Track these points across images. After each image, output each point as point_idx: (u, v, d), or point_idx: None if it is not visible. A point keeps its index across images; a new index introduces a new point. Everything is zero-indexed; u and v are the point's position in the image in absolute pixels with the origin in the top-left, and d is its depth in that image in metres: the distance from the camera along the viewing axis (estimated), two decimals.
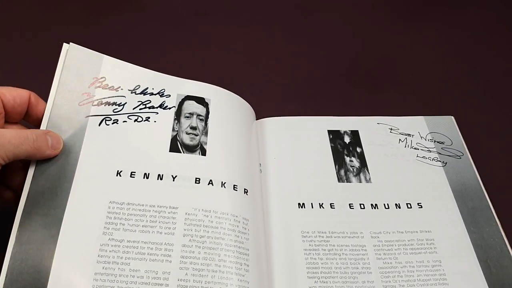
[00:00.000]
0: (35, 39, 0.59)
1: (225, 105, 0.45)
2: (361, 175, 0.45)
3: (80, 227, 0.34)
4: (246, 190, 0.40)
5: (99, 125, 0.39)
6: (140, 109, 0.41)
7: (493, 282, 0.38)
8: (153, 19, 0.64)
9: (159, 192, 0.38)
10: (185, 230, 0.36)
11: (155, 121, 0.41)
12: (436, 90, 0.56)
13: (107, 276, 0.33)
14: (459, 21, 0.66)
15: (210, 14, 0.65)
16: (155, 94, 0.43)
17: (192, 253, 0.35)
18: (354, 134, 0.48)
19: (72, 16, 0.63)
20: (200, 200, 0.38)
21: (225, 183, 0.39)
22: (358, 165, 0.45)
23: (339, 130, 0.48)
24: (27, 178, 0.35)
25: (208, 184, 0.39)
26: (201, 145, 0.41)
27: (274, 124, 0.48)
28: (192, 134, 0.42)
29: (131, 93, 0.42)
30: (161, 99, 0.43)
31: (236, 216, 0.38)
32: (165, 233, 0.36)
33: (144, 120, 0.41)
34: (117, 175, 0.38)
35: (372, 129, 0.48)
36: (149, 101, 0.42)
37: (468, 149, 0.47)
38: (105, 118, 0.40)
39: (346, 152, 0.46)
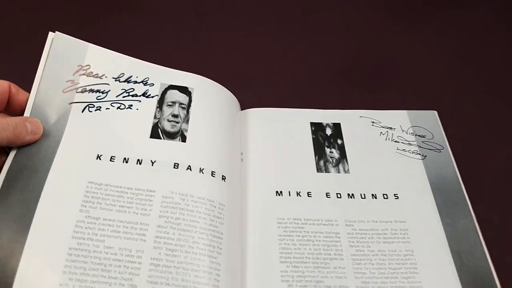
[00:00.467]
0: (35, 39, 0.61)
1: (209, 94, 0.46)
2: (340, 166, 0.45)
3: (58, 203, 0.36)
4: (224, 177, 0.41)
5: (82, 111, 0.41)
6: (124, 97, 0.43)
7: (464, 272, 0.39)
8: (153, 19, 0.65)
9: (137, 175, 0.39)
10: (161, 212, 0.37)
11: (137, 109, 0.42)
12: (436, 90, 0.57)
13: (81, 252, 0.34)
14: (459, 21, 0.66)
15: (210, 14, 0.66)
16: (138, 83, 0.44)
17: (166, 233, 0.36)
18: (336, 127, 0.48)
19: (72, 16, 0.64)
20: (178, 185, 0.39)
21: (203, 169, 0.40)
22: (338, 156, 0.46)
23: (321, 123, 0.49)
24: (8, 157, 0.37)
25: (187, 169, 0.40)
26: (182, 132, 0.42)
27: (258, 114, 0.49)
28: (174, 121, 0.43)
29: (115, 80, 0.43)
30: (145, 88, 0.44)
31: (212, 201, 0.39)
32: (141, 214, 0.37)
33: (127, 108, 0.42)
34: (97, 159, 0.39)
35: (354, 122, 0.49)
36: (132, 89, 0.43)
37: (450, 144, 0.47)
38: (88, 105, 0.41)
39: (327, 143, 0.47)
